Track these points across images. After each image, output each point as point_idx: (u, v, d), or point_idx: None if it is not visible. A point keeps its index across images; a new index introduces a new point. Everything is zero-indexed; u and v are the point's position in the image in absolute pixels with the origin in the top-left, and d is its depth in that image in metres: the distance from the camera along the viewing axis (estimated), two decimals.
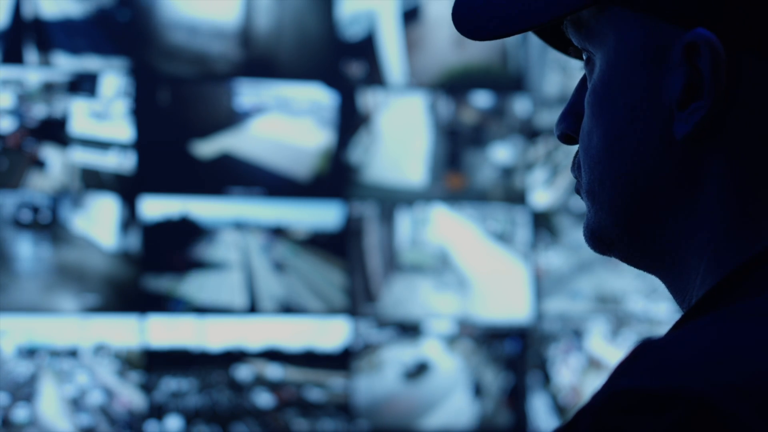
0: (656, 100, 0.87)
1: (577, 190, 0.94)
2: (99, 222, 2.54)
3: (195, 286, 2.58)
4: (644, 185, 0.88)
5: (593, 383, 2.81)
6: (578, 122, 0.93)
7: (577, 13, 0.90)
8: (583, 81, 0.94)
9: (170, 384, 2.55)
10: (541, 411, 2.79)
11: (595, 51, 0.90)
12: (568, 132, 0.94)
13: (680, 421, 0.70)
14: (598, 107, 0.89)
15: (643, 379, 0.72)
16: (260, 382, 2.61)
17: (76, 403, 2.49)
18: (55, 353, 2.49)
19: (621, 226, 0.90)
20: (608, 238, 0.91)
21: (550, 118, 2.82)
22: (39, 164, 2.50)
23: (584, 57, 0.92)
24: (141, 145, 2.57)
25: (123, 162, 2.55)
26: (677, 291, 0.90)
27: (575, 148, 0.93)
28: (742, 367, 0.73)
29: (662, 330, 2.82)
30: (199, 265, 2.59)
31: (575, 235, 2.83)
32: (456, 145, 2.80)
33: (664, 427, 0.70)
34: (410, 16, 2.79)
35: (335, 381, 2.66)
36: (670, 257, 0.89)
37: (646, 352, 0.75)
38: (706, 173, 0.86)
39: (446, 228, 2.78)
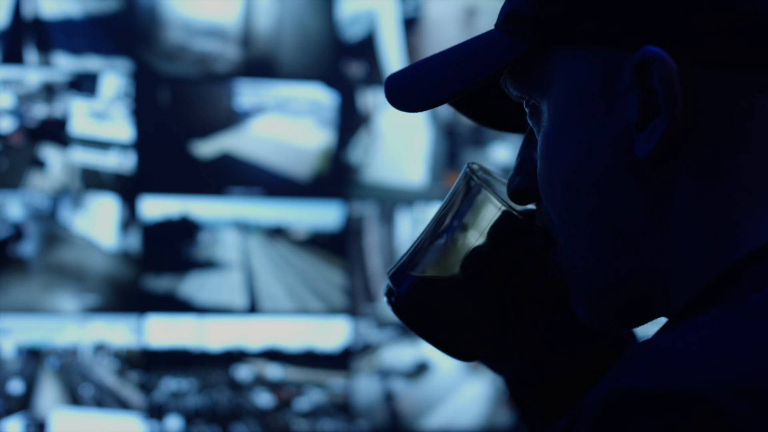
0: (612, 128, 0.85)
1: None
2: (99, 222, 2.54)
3: (195, 286, 2.58)
4: (615, 216, 0.86)
5: None
6: (531, 176, 0.92)
7: (516, 64, 0.89)
8: (530, 135, 0.93)
9: (170, 384, 2.55)
10: None
11: (541, 98, 0.89)
12: (522, 186, 0.93)
13: (681, 420, 0.70)
14: (554, 150, 0.88)
15: (643, 377, 0.72)
16: (260, 382, 2.61)
17: (76, 403, 2.49)
18: (55, 353, 2.49)
19: (608, 267, 0.88)
20: (610, 304, 0.89)
21: None
22: (39, 164, 2.50)
23: (527, 108, 0.91)
24: (141, 145, 2.57)
25: (123, 162, 2.55)
26: (667, 303, 0.89)
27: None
28: (742, 365, 0.73)
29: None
30: (199, 265, 2.59)
31: None
32: (456, 145, 2.80)
33: (664, 425, 0.70)
34: (410, 17, 2.79)
35: (335, 381, 2.66)
36: (658, 276, 0.87)
37: (645, 350, 0.75)
38: (674, 191, 0.85)
39: None
